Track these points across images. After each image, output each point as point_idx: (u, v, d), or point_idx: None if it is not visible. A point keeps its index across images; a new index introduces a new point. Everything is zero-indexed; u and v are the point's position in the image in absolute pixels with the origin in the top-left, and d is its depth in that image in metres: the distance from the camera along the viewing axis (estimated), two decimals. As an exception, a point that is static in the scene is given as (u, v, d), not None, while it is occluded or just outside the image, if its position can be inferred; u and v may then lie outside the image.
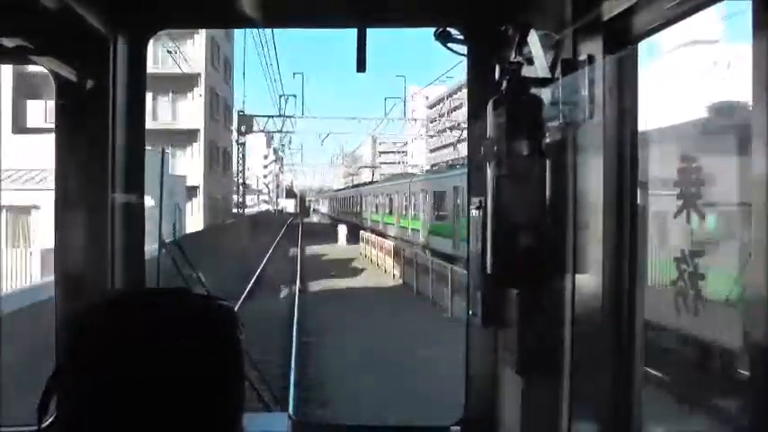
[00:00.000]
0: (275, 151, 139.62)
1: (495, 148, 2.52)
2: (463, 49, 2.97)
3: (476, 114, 2.85)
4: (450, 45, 2.91)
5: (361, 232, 48.22)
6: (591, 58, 2.23)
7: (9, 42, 2.96)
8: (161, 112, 46.97)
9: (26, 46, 2.98)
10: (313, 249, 48.12)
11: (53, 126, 3.32)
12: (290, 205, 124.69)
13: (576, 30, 2.33)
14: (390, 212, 50.53)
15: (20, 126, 34.83)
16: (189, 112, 49.78)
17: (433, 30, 2.94)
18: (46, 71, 3.19)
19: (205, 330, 1.85)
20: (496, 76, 2.62)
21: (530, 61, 2.56)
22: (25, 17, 2.82)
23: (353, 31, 3.02)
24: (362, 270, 36.45)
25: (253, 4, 3.11)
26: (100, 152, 3.15)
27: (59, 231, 3.25)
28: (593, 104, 2.24)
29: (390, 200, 50.90)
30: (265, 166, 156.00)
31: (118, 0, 3.10)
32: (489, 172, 2.57)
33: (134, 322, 1.81)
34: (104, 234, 3.15)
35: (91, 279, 3.16)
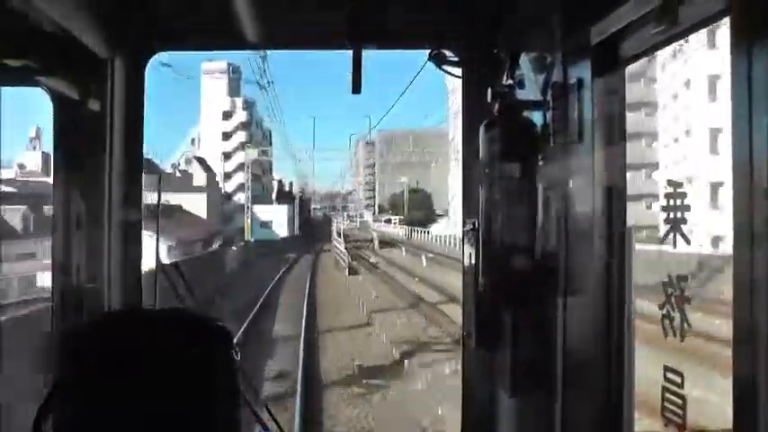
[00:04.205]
0: (248, 105, 78.80)
1: (487, 170, 2.54)
2: (458, 71, 3.01)
3: (469, 137, 2.88)
4: (444, 67, 2.95)
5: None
6: (581, 82, 2.26)
7: (9, 63, 3.00)
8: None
9: (26, 66, 3.02)
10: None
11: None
12: (279, 219, 70.02)
13: (566, 54, 2.36)
14: None
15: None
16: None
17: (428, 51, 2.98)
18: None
19: (199, 351, 1.87)
20: (489, 98, 2.66)
21: (521, 84, 2.60)
22: (25, 38, 2.86)
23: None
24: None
25: (250, 26, 3.16)
26: (97, 171, 3.18)
27: (57, 250, 3.27)
28: (584, 127, 2.26)
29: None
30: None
31: (117, 23, 3.15)
32: (482, 194, 2.59)
33: (129, 343, 1.83)
34: (101, 253, 3.17)
35: (88, 298, 3.17)
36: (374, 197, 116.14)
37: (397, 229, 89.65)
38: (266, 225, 68.29)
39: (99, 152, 3.17)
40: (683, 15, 1.75)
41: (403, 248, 55.01)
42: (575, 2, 2.29)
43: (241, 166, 71.24)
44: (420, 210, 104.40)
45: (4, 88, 3.57)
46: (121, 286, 3.19)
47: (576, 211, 2.38)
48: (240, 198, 67.86)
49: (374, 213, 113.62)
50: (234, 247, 43.52)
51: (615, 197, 2.23)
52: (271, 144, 74.55)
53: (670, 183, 1.88)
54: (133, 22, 3.20)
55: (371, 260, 48.01)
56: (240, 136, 76.79)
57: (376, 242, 65.51)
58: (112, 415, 1.78)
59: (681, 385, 1.82)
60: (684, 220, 1.83)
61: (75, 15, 2.92)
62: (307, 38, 3.42)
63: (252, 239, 58.57)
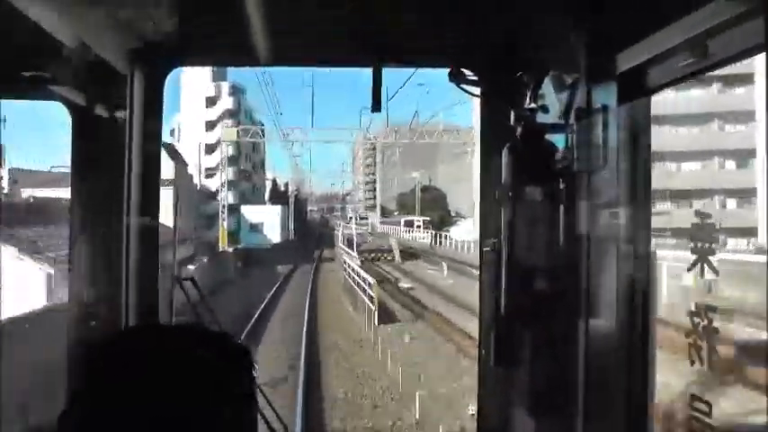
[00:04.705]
0: (235, 91, 71.18)
1: (510, 193, 2.56)
2: (477, 90, 3.01)
3: (489, 157, 2.89)
4: (463, 86, 2.96)
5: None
6: (605, 108, 2.28)
7: (28, 76, 3.01)
8: None
9: (45, 79, 3.04)
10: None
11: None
12: (272, 221, 59.30)
13: (590, 78, 2.38)
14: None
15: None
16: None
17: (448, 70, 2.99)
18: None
19: (217, 369, 1.88)
20: (511, 121, 2.67)
21: (544, 108, 2.61)
22: (44, 52, 2.88)
23: None
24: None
25: (269, 43, 3.17)
26: (115, 184, 3.19)
27: (74, 263, 3.28)
28: (607, 153, 2.28)
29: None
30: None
31: (136, 38, 3.16)
32: (503, 216, 2.61)
33: (146, 361, 1.84)
34: (119, 267, 3.18)
35: (104, 312, 3.18)
36: (375, 197, 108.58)
37: (416, 234, 74.71)
38: (257, 228, 57.99)
39: (116, 165, 3.19)
40: (714, 48, 1.76)
41: (444, 264, 38.11)
42: (600, 28, 2.30)
43: (228, 161, 60.45)
44: (434, 210, 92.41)
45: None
46: (138, 298, 3.21)
47: (599, 235, 2.40)
48: (229, 198, 56.92)
49: (380, 215, 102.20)
50: (192, 266, 27.01)
51: (640, 220, 2.25)
52: (264, 136, 58.67)
53: (697, 213, 1.89)
54: (151, 36, 3.21)
55: (402, 284, 32.09)
56: (226, 125, 64.84)
57: (397, 253, 50.77)
58: (130, 430, 1.77)
59: None
60: (713, 251, 1.85)
61: (95, 31, 2.93)
62: (325, 55, 3.43)
63: (230, 249, 46.59)
